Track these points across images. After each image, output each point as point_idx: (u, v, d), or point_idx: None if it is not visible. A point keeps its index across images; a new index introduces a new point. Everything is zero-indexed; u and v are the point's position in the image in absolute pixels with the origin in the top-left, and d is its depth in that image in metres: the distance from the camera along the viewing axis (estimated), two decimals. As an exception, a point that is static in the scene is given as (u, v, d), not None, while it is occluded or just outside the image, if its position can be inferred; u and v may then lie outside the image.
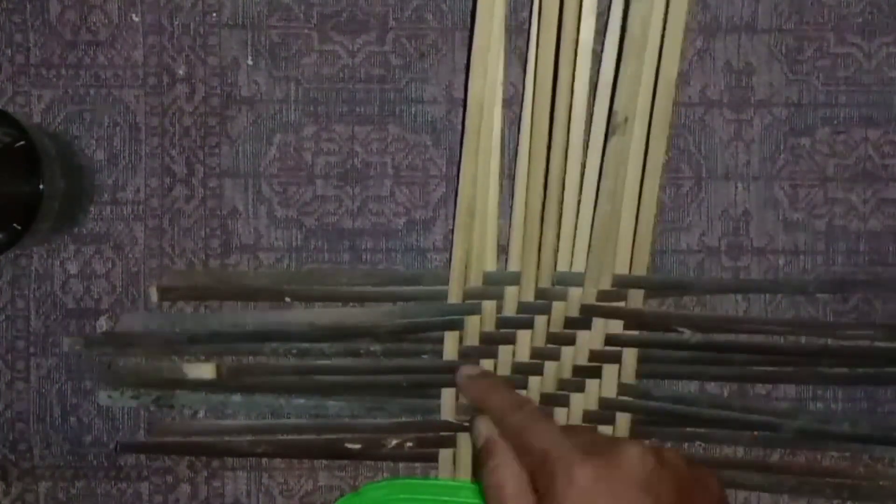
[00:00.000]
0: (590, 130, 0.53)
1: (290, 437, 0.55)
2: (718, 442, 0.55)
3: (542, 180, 0.53)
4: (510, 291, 0.54)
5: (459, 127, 0.55)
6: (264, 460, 0.56)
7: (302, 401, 0.55)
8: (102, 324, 0.55)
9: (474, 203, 0.54)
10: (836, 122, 0.55)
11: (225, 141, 0.55)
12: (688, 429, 0.55)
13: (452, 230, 0.55)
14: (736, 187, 0.55)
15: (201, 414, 0.56)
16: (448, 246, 0.55)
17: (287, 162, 0.55)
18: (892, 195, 0.55)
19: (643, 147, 0.53)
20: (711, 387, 0.56)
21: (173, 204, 0.55)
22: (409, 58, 0.55)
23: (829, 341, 0.55)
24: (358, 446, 0.55)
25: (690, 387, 0.55)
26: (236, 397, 0.55)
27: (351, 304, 0.55)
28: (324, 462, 0.56)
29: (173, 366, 0.55)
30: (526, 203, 0.54)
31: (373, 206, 0.56)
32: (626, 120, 0.52)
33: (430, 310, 0.55)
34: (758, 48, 0.55)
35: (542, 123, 0.53)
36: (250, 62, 0.55)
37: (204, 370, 0.55)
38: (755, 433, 0.55)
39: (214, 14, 0.55)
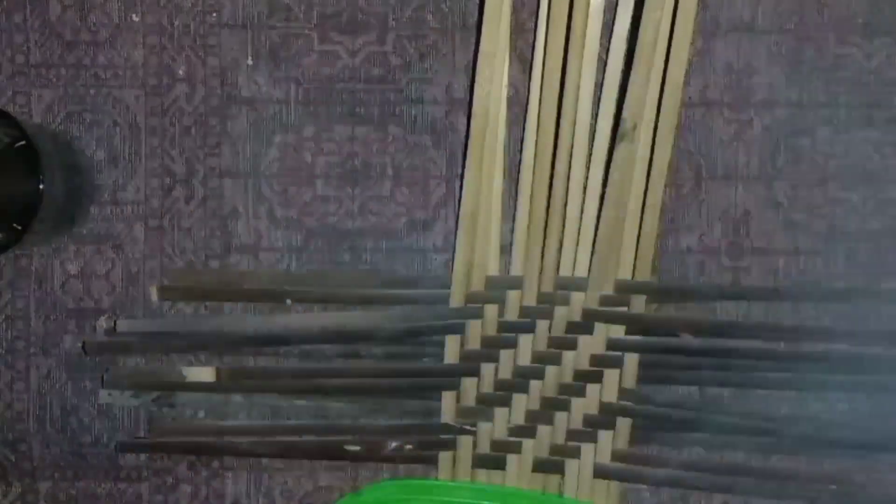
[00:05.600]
0: (594, 136, 0.53)
1: (290, 438, 0.55)
2: (719, 448, 0.55)
3: (546, 185, 0.53)
4: (512, 295, 0.54)
5: (460, 127, 0.55)
6: (265, 461, 0.56)
7: (303, 402, 0.55)
8: (102, 324, 0.55)
9: (478, 207, 0.54)
10: (836, 122, 0.55)
11: (225, 141, 0.55)
12: (688, 434, 0.55)
13: (453, 231, 0.55)
14: (736, 187, 0.55)
15: (202, 414, 0.56)
16: (448, 246, 0.55)
17: (287, 162, 0.55)
18: (892, 195, 0.55)
19: (649, 154, 0.53)
20: (712, 391, 0.55)
21: (173, 204, 0.55)
22: (409, 58, 0.55)
23: (830, 347, 0.54)
24: (358, 448, 0.55)
25: (691, 392, 0.55)
26: (237, 398, 0.55)
27: (352, 306, 0.55)
28: (324, 463, 0.56)
29: (173, 369, 0.55)
30: (530, 207, 0.54)
31: (373, 207, 0.56)
32: (634, 127, 0.52)
33: (432, 313, 0.55)
34: (758, 48, 0.55)
35: (547, 129, 0.53)
36: (250, 62, 0.55)
37: (203, 373, 0.55)
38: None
39: (214, 14, 0.55)
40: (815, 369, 0.54)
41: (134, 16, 0.55)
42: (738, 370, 0.54)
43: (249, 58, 0.55)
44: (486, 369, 0.55)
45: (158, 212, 0.55)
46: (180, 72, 0.55)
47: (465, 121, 0.55)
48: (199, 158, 0.55)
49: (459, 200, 0.54)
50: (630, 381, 0.54)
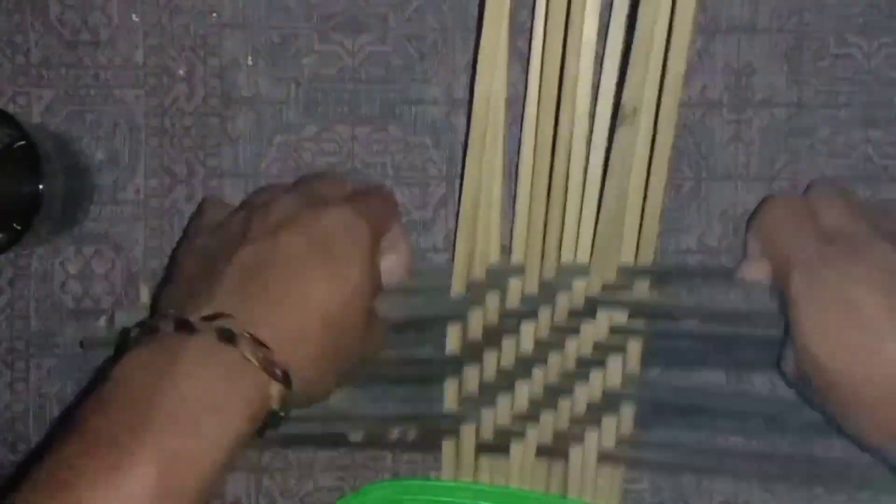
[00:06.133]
0: (593, 122, 0.53)
1: (290, 426, 0.55)
2: (723, 432, 0.55)
3: (546, 172, 0.53)
4: (514, 283, 0.54)
5: (460, 127, 0.55)
6: (264, 460, 0.56)
7: None
8: (103, 324, 0.56)
9: (479, 196, 0.54)
10: (835, 122, 0.55)
11: (225, 141, 0.55)
12: (692, 418, 0.55)
13: (453, 231, 0.55)
14: (736, 187, 0.55)
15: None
16: (448, 246, 0.55)
17: (287, 163, 0.56)
18: (892, 195, 0.55)
19: (650, 138, 0.53)
20: (716, 377, 0.55)
21: (174, 204, 0.55)
22: (410, 58, 0.55)
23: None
24: (360, 436, 0.55)
25: (695, 377, 0.55)
26: None
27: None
28: (324, 462, 0.56)
29: None
30: (530, 194, 0.53)
31: (373, 207, 0.56)
32: (634, 111, 0.52)
33: (434, 302, 0.55)
34: (758, 48, 0.55)
35: (547, 115, 0.53)
36: (250, 62, 0.55)
37: None
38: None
39: (214, 14, 0.55)
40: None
41: (134, 16, 0.55)
42: (741, 355, 0.54)
43: (249, 58, 0.55)
44: (489, 357, 0.54)
45: (159, 212, 0.55)
46: (180, 72, 0.55)
47: (465, 121, 0.55)
48: (199, 158, 0.55)
49: (459, 200, 0.54)
50: (633, 367, 0.54)
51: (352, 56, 0.55)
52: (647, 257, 0.54)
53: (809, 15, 0.55)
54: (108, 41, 0.55)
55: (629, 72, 0.52)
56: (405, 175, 0.56)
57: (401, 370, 0.55)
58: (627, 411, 0.55)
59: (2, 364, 0.56)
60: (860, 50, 0.55)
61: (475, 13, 0.55)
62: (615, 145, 0.53)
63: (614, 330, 0.54)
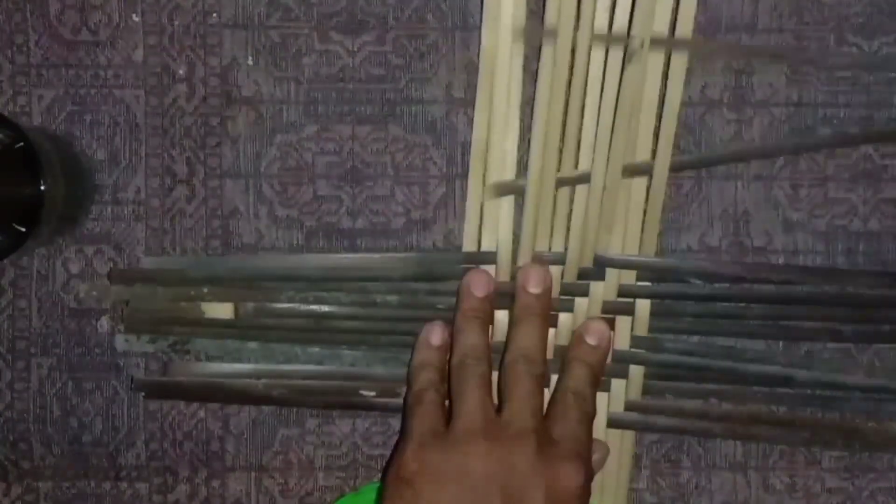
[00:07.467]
0: (606, 66, 0.53)
1: (305, 382, 0.55)
2: (731, 399, 0.55)
3: (558, 133, 0.53)
4: (525, 241, 0.54)
5: (460, 127, 0.55)
6: (264, 460, 0.56)
7: (317, 349, 0.55)
8: (104, 324, 0.56)
9: (488, 153, 0.54)
10: (835, 122, 0.55)
11: (225, 141, 0.55)
12: (701, 385, 0.55)
13: (453, 230, 0.55)
14: (736, 187, 0.55)
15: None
16: (448, 245, 0.55)
17: (287, 162, 0.56)
18: (892, 195, 0.55)
19: (661, 78, 0.53)
20: (724, 340, 0.55)
21: (174, 204, 0.55)
22: (409, 58, 0.55)
23: (847, 289, 0.54)
24: (373, 393, 0.55)
25: (702, 340, 0.55)
26: (252, 344, 0.55)
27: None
28: (323, 462, 0.56)
29: (192, 305, 0.55)
30: (543, 153, 0.53)
31: (373, 206, 0.56)
32: (642, 45, 0.52)
33: (445, 258, 0.55)
34: (758, 48, 0.55)
35: (562, 69, 0.53)
36: (250, 62, 0.55)
37: (222, 310, 0.55)
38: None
39: (215, 14, 0.55)
40: (829, 315, 0.54)
41: (134, 16, 0.55)
42: (749, 317, 0.55)
43: (249, 58, 0.55)
44: (500, 317, 0.55)
45: (159, 211, 0.55)
46: (180, 71, 0.55)
47: (465, 120, 0.55)
48: (199, 158, 0.55)
49: (458, 199, 0.55)
50: (642, 330, 0.55)
51: (352, 56, 0.55)
52: (654, 218, 0.54)
53: (809, 15, 0.55)
54: (108, 41, 0.55)
55: (636, 7, 0.52)
56: (405, 175, 0.56)
57: (412, 328, 0.55)
58: (637, 374, 0.55)
59: (2, 364, 0.56)
60: (860, 50, 0.55)
61: (475, 13, 0.55)
62: (623, 87, 0.53)
63: (623, 291, 0.54)
